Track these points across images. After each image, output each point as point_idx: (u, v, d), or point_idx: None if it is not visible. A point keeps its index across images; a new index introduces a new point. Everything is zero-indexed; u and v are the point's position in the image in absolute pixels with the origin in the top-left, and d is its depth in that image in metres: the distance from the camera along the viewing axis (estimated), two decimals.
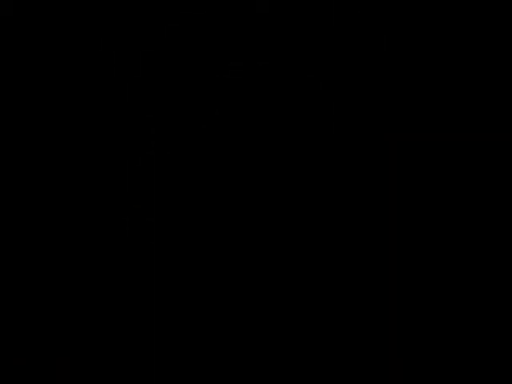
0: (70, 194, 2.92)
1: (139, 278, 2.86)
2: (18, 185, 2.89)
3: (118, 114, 2.95)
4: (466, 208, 2.93)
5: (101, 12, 2.89)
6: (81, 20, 2.90)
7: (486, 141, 2.93)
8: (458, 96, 2.93)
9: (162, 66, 2.92)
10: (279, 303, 2.83)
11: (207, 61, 2.92)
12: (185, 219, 2.87)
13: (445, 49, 2.91)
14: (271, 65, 2.91)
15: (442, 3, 2.91)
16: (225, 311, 2.82)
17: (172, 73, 2.92)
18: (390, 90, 2.93)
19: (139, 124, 2.94)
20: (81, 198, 2.92)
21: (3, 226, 2.88)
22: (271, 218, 2.87)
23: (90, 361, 2.82)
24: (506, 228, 2.92)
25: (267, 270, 2.83)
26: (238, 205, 2.87)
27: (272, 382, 2.79)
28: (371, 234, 2.93)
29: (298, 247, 2.86)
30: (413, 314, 2.90)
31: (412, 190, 2.97)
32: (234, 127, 2.89)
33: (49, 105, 2.91)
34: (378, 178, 2.99)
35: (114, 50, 2.91)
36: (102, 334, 2.82)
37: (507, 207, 2.91)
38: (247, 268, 2.84)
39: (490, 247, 2.91)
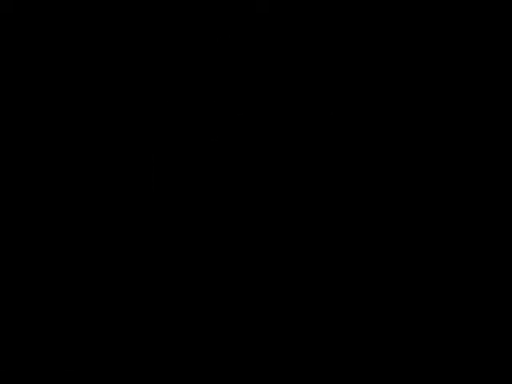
0: (70, 194, 2.91)
1: (139, 278, 2.85)
2: (15, 184, 2.88)
3: (117, 113, 2.95)
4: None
5: (101, 11, 2.88)
6: (81, 19, 2.89)
7: None
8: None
9: (161, 67, 2.91)
10: (278, 302, 2.83)
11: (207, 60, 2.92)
12: (184, 220, 2.86)
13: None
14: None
15: (438, 6, 2.92)
16: (224, 310, 2.81)
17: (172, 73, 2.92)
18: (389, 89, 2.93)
19: (139, 124, 2.94)
20: (80, 198, 2.91)
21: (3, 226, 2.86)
22: (269, 216, 2.87)
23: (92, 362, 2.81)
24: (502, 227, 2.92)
25: (265, 267, 2.83)
26: (238, 207, 2.87)
27: (271, 382, 2.79)
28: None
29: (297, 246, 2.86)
30: (411, 312, 2.90)
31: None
32: (235, 127, 2.89)
33: (48, 104, 2.90)
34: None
35: (113, 50, 2.91)
36: (101, 333, 2.80)
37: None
38: (246, 267, 2.84)
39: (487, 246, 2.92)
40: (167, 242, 2.85)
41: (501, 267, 2.90)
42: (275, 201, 2.89)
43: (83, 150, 2.93)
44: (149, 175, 2.88)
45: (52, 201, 2.90)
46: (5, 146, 2.88)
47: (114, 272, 2.85)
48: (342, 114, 2.89)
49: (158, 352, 2.80)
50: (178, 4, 2.91)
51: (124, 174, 2.89)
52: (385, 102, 2.92)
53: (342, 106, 2.90)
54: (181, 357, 2.79)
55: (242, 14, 2.90)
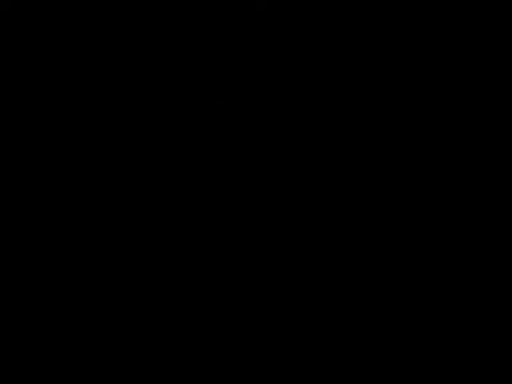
0: (70, 194, 2.91)
1: (138, 278, 2.85)
2: (15, 185, 2.88)
3: (117, 113, 2.95)
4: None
5: (101, 10, 2.89)
6: (81, 19, 2.89)
7: None
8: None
9: (162, 67, 2.92)
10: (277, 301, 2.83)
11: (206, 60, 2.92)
12: (183, 219, 2.87)
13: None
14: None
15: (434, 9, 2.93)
16: (223, 311, 2.81)
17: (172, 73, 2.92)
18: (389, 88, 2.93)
19: (139, 124, 2.94)
20: (79, 199, 2.91)
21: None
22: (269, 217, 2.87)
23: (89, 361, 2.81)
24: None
25: (264, 267, 2.83)
26: (238, 206, 2.87)
27: (272, 382, 2.79)
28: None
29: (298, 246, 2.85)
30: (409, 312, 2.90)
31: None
32: (236, 128, 2.89)
33: (48, 103, 2.91)
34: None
35: (113, 50, 2.91)
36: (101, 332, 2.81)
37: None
38: (246, 268, 2.84)
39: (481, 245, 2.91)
40: (166, 241, 2.86)
41: (501, 267, 2.90)
42: (275, 201, 2.89)
43: (83, 150, 2.93)
44: (149, 175, 2.88)
45: (51, 201, 2.90)
46: (4, 145, 2.88)
47: (113, 272, 2.85)
48: (342, 114, 2.89)
49: (158, 352, 2.80)
50: (178, 4, 2.92)
51: (124, 174, 2.89)
52: (385, 102, 2.92)
53: (342, 106, 2.90)
54: (181, 357, 2.79)
55: (241, 13, 2.90)
